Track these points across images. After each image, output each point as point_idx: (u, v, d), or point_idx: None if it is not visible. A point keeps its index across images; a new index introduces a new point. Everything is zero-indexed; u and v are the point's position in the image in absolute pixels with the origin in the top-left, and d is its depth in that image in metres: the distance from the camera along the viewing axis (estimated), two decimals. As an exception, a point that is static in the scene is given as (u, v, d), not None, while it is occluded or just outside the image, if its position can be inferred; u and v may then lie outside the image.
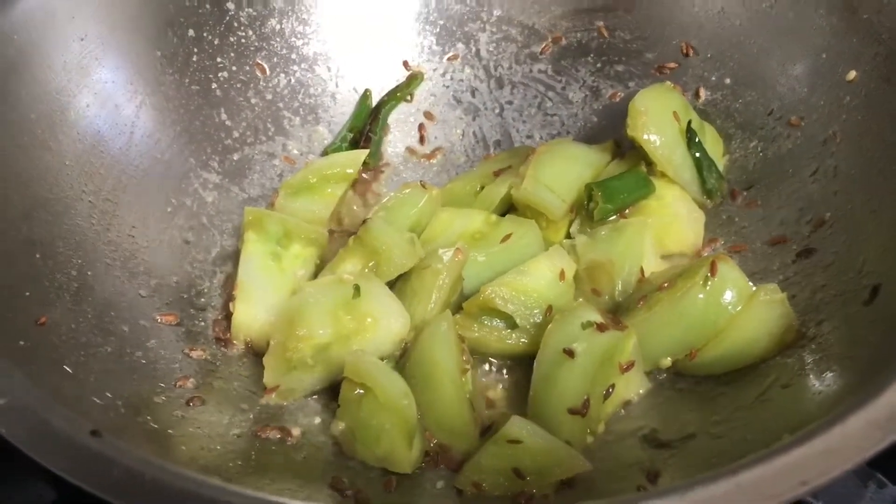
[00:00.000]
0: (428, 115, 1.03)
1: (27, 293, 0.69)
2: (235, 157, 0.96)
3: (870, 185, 0.77)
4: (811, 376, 0.67)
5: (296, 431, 0.73)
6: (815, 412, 0.59)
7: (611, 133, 0.97)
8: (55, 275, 0.73)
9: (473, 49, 1.04)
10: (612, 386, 0.72)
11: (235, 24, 0.97)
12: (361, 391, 0.70)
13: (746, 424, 0.67)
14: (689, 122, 0.88)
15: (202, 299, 0.85)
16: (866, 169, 0.78)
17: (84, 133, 0.83)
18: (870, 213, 0.75)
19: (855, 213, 0.77)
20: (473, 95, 1.04)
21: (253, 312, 0.80)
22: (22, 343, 0.63)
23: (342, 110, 1.03)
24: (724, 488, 0.47)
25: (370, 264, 0.81)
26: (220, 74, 0.96)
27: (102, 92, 0.86)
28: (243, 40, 0.98)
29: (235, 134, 0.96)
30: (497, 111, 1.03)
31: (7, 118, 0.76)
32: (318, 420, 0.75)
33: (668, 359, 0.75)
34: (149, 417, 0.67)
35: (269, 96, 0.99)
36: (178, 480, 0.47)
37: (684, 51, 0.95)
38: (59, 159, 0.80)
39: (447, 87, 1.04)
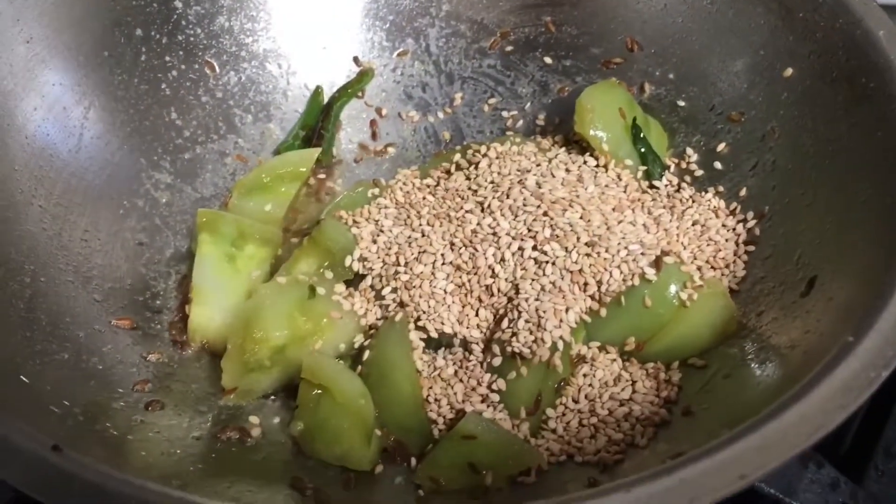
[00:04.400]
0: (379, 111, 1.04)
1: (-22, 304, 0.68)
2: (187, 156, 0.96)
3: (805, 180, 0.80)
4: (752, 366, 0.70)
5: (255, 432, 0.74)
6: (756, 402, 0.62)
7: (560, 128, 0.99)
8: (8, 282, 0.73)
9: (423, 44, 1.05)
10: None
11: (183, 23, 0.97)
12: (319, 391, 0.72)
13: (693, 415, 0.70)
14: (634, 119, 0.90)
15: (157, 301, 0.85)
16: (802, 163, 0.81)
17: (32, 137, 0.82)
18: (805, 206, 0.78)
19: (791, 206, 0.80)
20: (424, 91, 1.05)
21: (209, 314, 0.81)
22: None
23: (293, 107, 1.03)
24: (668, 484, 0.49)
25: (325, 264, 0.82)
26: (169, 73, 0.96)
27: (50, 95, 0.85)
28: (192, 38, 0.97)
29: (186, 133, 0.96)
30: (448, 106, 1.04)
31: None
32: (276, 420, 0.76)
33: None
34: (108, 424, 0.67)
35: (219, 94, 0.99)
36: (139, 492, 0.48)
37: (629, 46, 0.97)
38: (7, 164, 0.79)
39: (398, 82, 1.05)
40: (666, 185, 0.89)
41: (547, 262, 0.77)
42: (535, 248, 0.78)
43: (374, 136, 1.03)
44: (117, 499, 0.48)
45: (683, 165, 0.91)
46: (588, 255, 0.77)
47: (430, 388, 0.75)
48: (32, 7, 0.83)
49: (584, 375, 0.76)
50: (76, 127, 0.87)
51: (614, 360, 0.77)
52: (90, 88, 0.89)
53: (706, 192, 0.88)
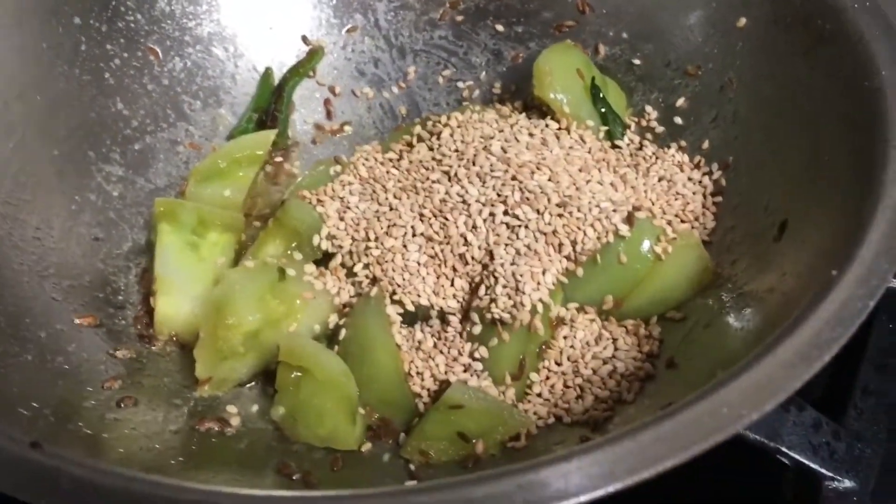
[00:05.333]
0: (332, 89, 1.02)
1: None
2: (137, 147, 0.92)
3: (768, 127, 0.80)
4: (732, 314, 0.70)
5: (234, 421, 0.72)
6: (741, 347, 0.62)
7: (516, 95, 0.98)
8: (-41, 286, 0.69)
9: (372, 19, 1.03)
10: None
11: (122, 9, 0.93)
12: (299, 373, 0.70)
13: (677, 367, 0.70)
14: (593, 79, 0.89)
15: (119, 297, 0.82)
16: (763, 111, 0.81)
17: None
18: (770, 153, 0.79)
19: (756, 154, 0.81)
20: (377, 66, 1.03)
21: (176, 305, 0.78)
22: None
23: (244, 91, 1.00)
24: (670, 427, 0.49)
25: (293, 245, 0.80)
26: (111, 62, 0.92)
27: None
28: (132, 25, 0.94)
29: (134, 123, 0.93)
30: (402, 81, 1.02)
31: None
32: (255, 407, 0.74)
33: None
34: (80, 424, 0.65)
35: (165, 81, 0.96)
36: (130, 483, 0.46)
37: (580, 8, 0.97)
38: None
39: (349, 59, 1.03)
40: (628, 144, 0.89)
41: (519, 226, 0.77)
42: (506, 212, 0.77)
43: (328, 115, 1.01)
44: (106, 492, 0.45)
45: (644, 123, 0.92)
46: (560, 215, 0.76)
47: (412, 361, 0.74)
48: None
49: (565, 337, 0.75)
50: (18, 122, 0.83)
51: (593, 319, 0.76)
52: (30, 81, 0.85)
53: (669, 147, 0.88)
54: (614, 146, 0.89)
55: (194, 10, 0.98)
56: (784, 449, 0.72)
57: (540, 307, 0.72)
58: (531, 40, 1.00)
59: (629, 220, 0.76)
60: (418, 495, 0.46)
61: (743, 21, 0.84)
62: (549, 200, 0.77)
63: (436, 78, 1.02)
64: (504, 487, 0.45)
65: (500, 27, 1.01)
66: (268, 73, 1.00)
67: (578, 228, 0.75)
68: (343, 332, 0.75)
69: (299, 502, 0.49)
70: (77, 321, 0.76)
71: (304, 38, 1.02)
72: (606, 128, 0.89)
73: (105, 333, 0.77)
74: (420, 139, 0.88)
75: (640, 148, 0.89)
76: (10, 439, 0.48)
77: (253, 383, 0.77)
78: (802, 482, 0.75)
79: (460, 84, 1.02)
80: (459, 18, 1.02)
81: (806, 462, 0.73)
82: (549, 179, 0.79)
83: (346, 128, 1.01)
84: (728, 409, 0.48)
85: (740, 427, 0.48)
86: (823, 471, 0.72)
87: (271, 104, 0.98)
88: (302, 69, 1.01)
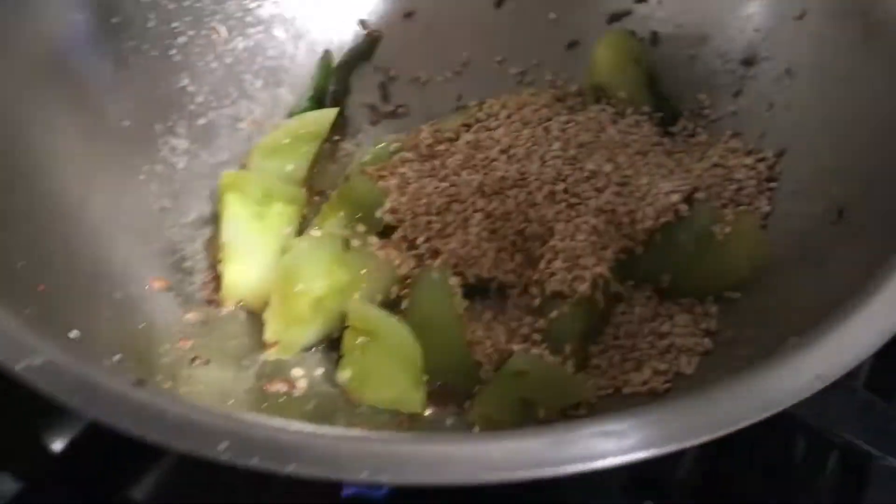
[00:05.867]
0: (388, 72, 1.04)
1: (21, 263, 0.67)
2: (201, 122, 0.95)
3: (825, 116, 0.82)
4: (792, 291, 0.72)
5: (301, 383, 0.74)
6: (803, 321, 0.64)
7: (572, 81, 1.00)
8: (42, 245, 0.71)
9: (430, 3, 1.06)
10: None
11: (189, -13, 0.96)
12: (366, 338, 0.72)
13: (736, 345, 0.72)
14: (648, 66, 0.91)
15: (187, 263, 0.84)
16: (820, 101, 0.83)
17: (48, 103, 0.81)
18: (827, 141, 0.80)
19: (812, 143, 0.82)
20: (433, 51, 1.05)
21: (243, 272, 0.80)
22: (28, 311, 0.62)
23: (303, 72, 1.03)
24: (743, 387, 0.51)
25: (355, 217, 0.82)
26: (178, 39, 0.95)
27: (58, 62, 0.84)
28: (198, 4, 0.97)
29: (199, 99, 0.95)
30: (457, 65, 1.04)
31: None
32: (320, 371, 0.76)
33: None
34: (159, 377, 0.67)
35: (228, 60, 0.99)
36: (229, 423, 0.48)
37: (635, -3, 0.99)
38: (20, 128, 0.77)
39: (406, 43, 1.05)
40: (681, 131, 0.91)
41: (579, 204, 0.79)
42: (565, 191, 0.79)
43: (384, 97, 1.03)
44: (208, 429, 0.48)
45: (697, 111, 0.93)
46: (619, 194, 0.78)
47: (473, 331, 0.76)
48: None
49: (623, 313, 0.77)
50: (91, 92, 0.86)
51: (650, 297, 0.78)
52: (101, 52, 0.88)
53: (722, 135, 0.90)
54: (668, 133, 0.90)
55: (257, -9, 1.01)
56: (832, 428, 0.74)
57: (600, 281, 0.74)
58: (586, 28, 1.01)
59: (688, 200, 0.78)
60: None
61: (800, 11, 0.86)
62: (608, 180, 0.79)
63: (491, 63, 1.04)
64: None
65: (553, 15, 1.03)
66: (326, 55, 1.03)
67: (638, 208, 0.77)
68: (405, 303, 0.77)
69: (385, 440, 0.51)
70: (149, 284, 0.78)
71: (363, 22, 1.05)
72: (661, 114, 0.90)
73: (175, 297, 0.80)
74: (478, 120, 0.90)
75: (693, 135, 0.91)
76: (113, 378, 0.50)
77: (314, 349, 0.79)
78: (850, 461, 0.77)
79: (514, 69, 1.03)
80: (515, 5, 1.04)
81: (855, 440, 0.75)
82: (608, 160, 0.81)
83: (401, 110, 1.03)
84: (813, 366, 0.50)
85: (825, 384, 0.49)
86: (872, 450, 0.74)
87: (330, 85, 1.00)
88: (359, 52, 1.03)
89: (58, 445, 0.81)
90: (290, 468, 0.46)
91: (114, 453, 0.83)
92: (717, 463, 0.81)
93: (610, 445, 0.46)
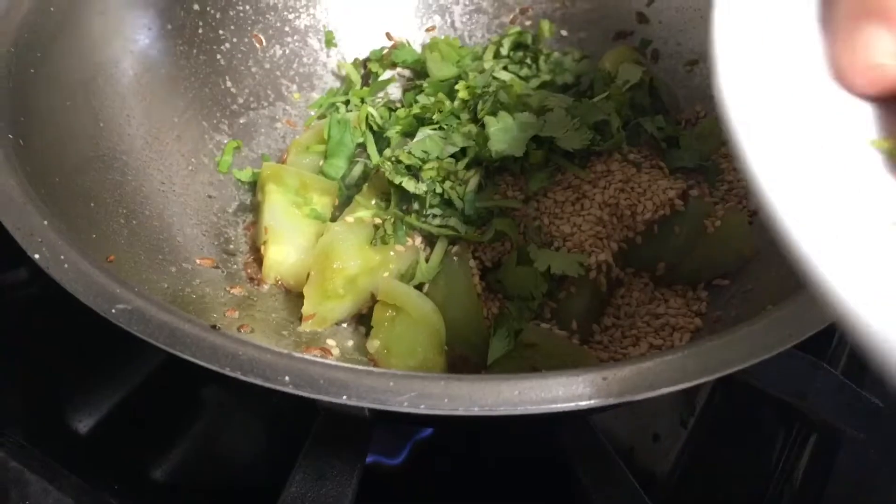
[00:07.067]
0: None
1: (94, 235, 0.76)
2: (242, 120, 1.05)
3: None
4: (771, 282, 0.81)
5: (335, 352, 0.83)
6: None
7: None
8: (109, 222, 0.80)
9: (449, 20, 1.16)
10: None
11: (234, 0, 1.06)
12: (394, 312, 0.81)
13: (722, 323, 0.81)
14: (651, 80, 1.01)
15: (231, 245, 0.93)
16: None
17: (113, 97, 0.90)
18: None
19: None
20: (452, 62, 1.15)
21: (283, 252, 0.89)
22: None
23: (334, 78, 1.13)
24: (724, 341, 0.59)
25: (384, 206, 0.91)
26: (223, 45, 1.05)
27: (123, 60, 0.93)
28: (241, 14, 1.07)
29: (240, 100, 1.05)
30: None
31: (55, 81, 0.83)
32: (350, 342, 0.85)
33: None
34: (213, 340, 0.76)
35: (267, 66, 1.08)
36: (294, 363, 0.57)
37: (640, 18, 1.08)
38: (94, 121, 0.87)
39: (426, 53, 1.15)
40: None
41: (585, 199, 0.88)
42: (574, 188, 0.89)
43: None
44: (274, 365, 0.56)
45: (694, 119, 1.02)
46: (622, 190, 0.87)
47: (489, 308, 0.84)
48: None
49: (622, 297, 0.86)
50: (146, 91, 0.95)
51: (647, 283, 0.87)
52: (156, 56, 0.97)
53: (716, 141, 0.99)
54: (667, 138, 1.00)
55: (294, 4, 1.10)
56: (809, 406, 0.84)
57: (604, 266, 0.83)
58: (593, 45, 1.11)
59: (683, 196, 0.87)
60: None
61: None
62: (613, 177, 0.88)
63: (505, 74, 1.14)
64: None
65: (564, 32, 1.13)
66: (355, 62, 1.12)
67: (639, 202, 0.86)
68: (428, 284, 0.86)
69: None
70: (198, 261, 0.87)
71: (388, 34, 1.14)
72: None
73: (221, 274, 0.89)
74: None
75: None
76: (196, 324, 0.59)
77: (345, 324, 0.88)
78: (825, 437, 0.86)
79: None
80: (528, 23, 1.14)
81: (829, 420, 0.84)
82: (616, 161, 0.90)
83: (423, 112, 1.12)
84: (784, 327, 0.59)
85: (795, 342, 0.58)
86: (844, 427, 0.83)
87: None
88: (386, 60, 1.13)
89: (84, 427, 0.91)
90: (343, 398, 0.55)
91: (137, 436, 0.92)
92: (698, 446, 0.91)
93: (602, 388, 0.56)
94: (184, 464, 0.90)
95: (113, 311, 0.58)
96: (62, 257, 0.62)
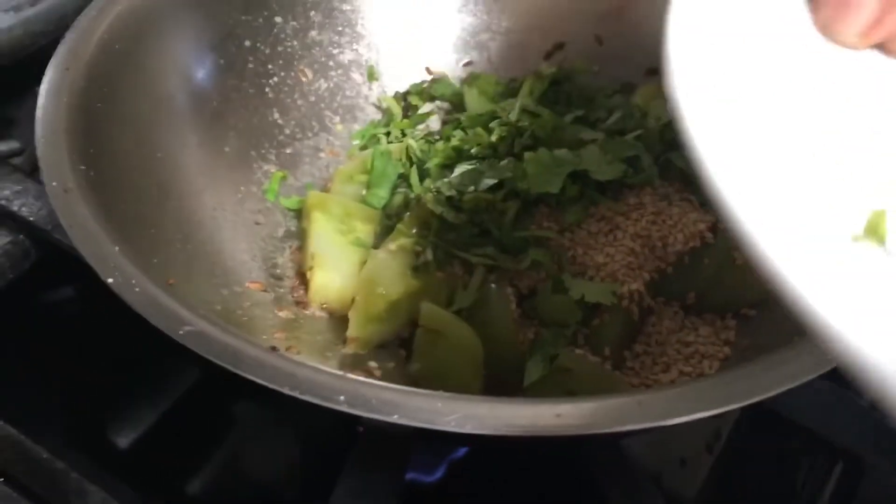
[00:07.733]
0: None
1: (155, 260, 0.81)
2: (288, 150, 1.10)
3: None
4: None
5: (377, 373, 0.87)
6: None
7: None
8: (168, 247, 0.85)
9: (485, 55, 1.20)
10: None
11: (283, 36, 1.11)
12: (435, 336, 0.85)
13: (752, 351, 0.84)
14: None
15: (278, 270, 0.98)
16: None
17: (170, 129, 0.96)
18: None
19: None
20: (488, 95, 1.19)
21: (329, 278, 0.93)
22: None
23: (375, 111, 1.18)
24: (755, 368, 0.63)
25: (425, 234, 0.96)
26: (271, 80, 1.10)
27: (177, 96, 0.99)
28: (289, 49, 1.12)
29: (287, 131, 1.10)
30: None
31: (119, 114, 0.88)
32: (391, 364, 0.89)
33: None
34: (264, 360, 0.80)
35: (312, 98, 1.14)
36: (345, 384, 0.61)
37: (670, 55, 1.12)
38: (153, 152, 0.92)
39: (463, 87, 1.20)
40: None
41: (618, 230, 0.91)
42: (602, 218, 0.92)
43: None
44: (329, 385, 0.60)
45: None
46: (654, 222, 0.91)
47: (525, 334, 0.88)
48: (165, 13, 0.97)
49: (653, 325, 0.90)
50: (201, 122, 1.00)
51: (677, 312, 0.91)
52: (209, 88, 1.03)
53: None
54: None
55: (338, 40, 1.16)
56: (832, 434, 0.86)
57: (636, 296, 0.87)
58: (627, 79, 1.15)
59: (713, 229, 0.90)
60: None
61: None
62: (645, 210, 0.92)
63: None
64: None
65: (597, 68, 1.17)
66: (396, 95, 1.17)
67: (670, 233, 0.90)
68: (471, 308, 0.90)
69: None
70: (248, 284, 0.92)
71: (428, 69, 1.19)
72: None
73: (269, 297, 0.93)
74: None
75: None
76: (256, 346, 0.63)
77: (386, 347, 0.92)
78: (849, 465, 0.88)
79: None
80: (562, 58, 1.18)
81: (854, 448, 0.87)
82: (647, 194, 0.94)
83: (462, 144, 1.17)
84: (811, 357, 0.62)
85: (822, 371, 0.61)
86: (868, 455, 0.86)
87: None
88: (425, 94, 1.18)
89: (123, 442, 0.95)
90: (394, 418, 0.59)
91: (172, 452, 0.96)
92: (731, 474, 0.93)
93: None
94: (219, 479, 0.94)
95: (181, 332, 0.63)
96: (133, 281, 0.67)
